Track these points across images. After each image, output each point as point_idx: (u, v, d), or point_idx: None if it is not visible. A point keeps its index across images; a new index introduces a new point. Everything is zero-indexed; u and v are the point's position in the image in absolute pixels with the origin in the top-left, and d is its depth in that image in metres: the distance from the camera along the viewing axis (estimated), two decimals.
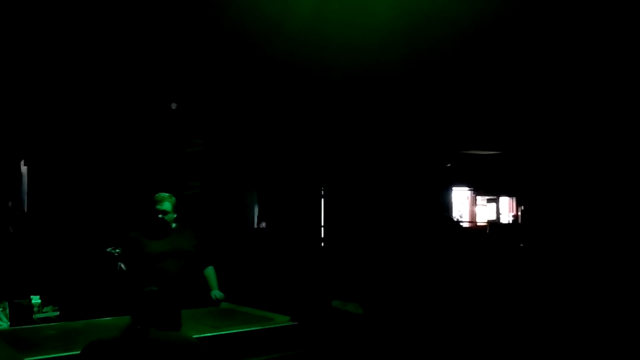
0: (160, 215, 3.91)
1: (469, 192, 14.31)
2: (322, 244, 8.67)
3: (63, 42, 4.97)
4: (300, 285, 5.75)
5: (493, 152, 10.73)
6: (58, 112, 5.78)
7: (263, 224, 8.28)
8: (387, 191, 8.13)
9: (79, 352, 2.31)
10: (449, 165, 11.29)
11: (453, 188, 13.06)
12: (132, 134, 6.00)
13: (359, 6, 4.77)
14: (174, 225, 4.00)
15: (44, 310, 3.76)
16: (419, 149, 8.79)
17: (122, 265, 3.89)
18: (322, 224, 8.72)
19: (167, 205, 3.94)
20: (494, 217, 14.29)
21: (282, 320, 3.28)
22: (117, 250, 3.87)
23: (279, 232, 7.93)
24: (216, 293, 3.96)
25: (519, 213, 12.35)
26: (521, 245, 6.30)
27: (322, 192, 8.74)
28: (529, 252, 5.30)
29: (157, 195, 3.96)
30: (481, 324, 5.20)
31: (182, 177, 6.04)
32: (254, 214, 8.58)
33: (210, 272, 4.07)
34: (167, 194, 3.98)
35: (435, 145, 9.38)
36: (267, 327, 3.19)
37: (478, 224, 13.77)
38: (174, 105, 6.20)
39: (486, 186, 13.99)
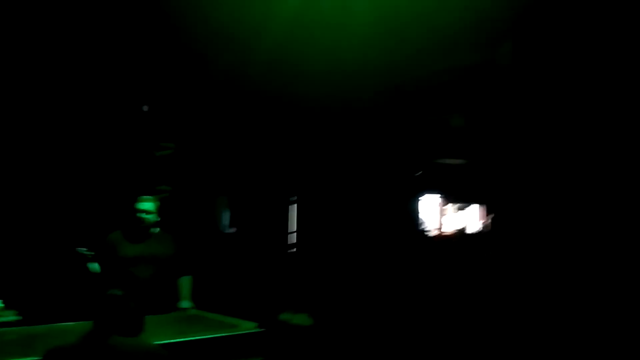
0: (139, 214, 3.84)
1: (439, 200, 14.45)
2: (293, 251, 8.66)
3: (30, 41, 4.91)
4: (268, 291, 5.74)
5: (462, 161, 10.88)
6: (26, 110, 5.68)
7: (233, 229, 8.24)
8: (358, 198, 8.18)
9: (39, 358, 2.28)
10: (419, 173, 11.40)
11: (423, 196, 13.17)
12: (101, 135, 5.93)
13: (332, 10, 4.84)
14: (155, 230, 3.95)
15: (3, 315, 3.68)
16: (390, 157, 8.86)
17: (94, 267, 3.81)
18: (294, 231, 8.71)
19: (148, 205, 3.88)
20: (462, 226, 14.45)
21: (248, 327, 3.28)
22: (88, 251, 3.80)
23: (249, 237, 7.90)
24: (184, 303, 3.91)
25: (488, 222, 12.52)
26: (489, 252, 6.41)
27: (294, 199, 8.73)
28: (496, 259, 5.39)
29: (140, 197, 3.93)
30: (447, 331, 5.27)
31: (151, 181, 5.99)
32: (224, 219, 8.52)
33: (184, 281, 3.99)
34: (149, 197, 3.95)
35: (406, 154, 9.47)
36: (233, 333, 3.18)
37: (446, 232, 13.91)
38: (145, 108, 6.14)
39: (455, 194, 14.15)
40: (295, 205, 8.57)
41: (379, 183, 8.59)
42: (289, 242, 8.46)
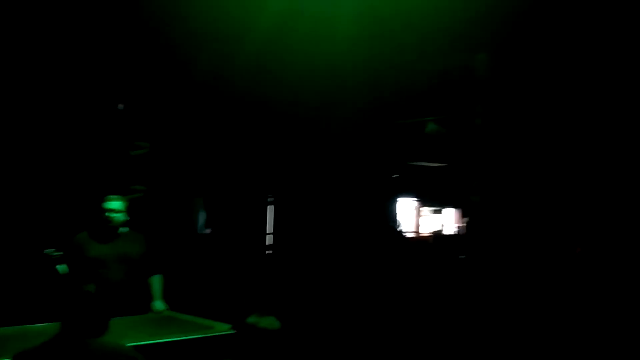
0: (107, 214, 3.79)
1: (415, 202, 14.57)
2: (269, 252, 8.64)
3: (4, 38, 4.81)
4: (242, 293, 5.71)
5: (439, 164, 10.99)
6: None
7: (208, 230, 8.18)
8: (335, 200, 8.19)
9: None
10: (396, 176, 11.48)
11: (399, 199, 13.26)
12: (74, 133, 5.83)
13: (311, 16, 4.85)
14: (124, 229, 3.90)
15: None
16: (366, 160, 8.90)
17: (62, 268, 3.73)
18: (270, 232, 8.69)
19: (116, 205, 3.83)
20: (438, 228, 14.59)
21: (222, 329, 3.26)
22: (56, 252, 3.72)
23: (225, 238, 7.85)
24: (158, 304, 3.86)
25: (463, 224, 12.65)
26: (461, 256, 6.46)
27: (270, 200, 8.71)
28: (468, 263, 5.45)
29: (108, 196, 3.87)
30: (422, 332, 5.30)
31: (125, 180, 5.91)
32: (199, 219, 8.47)
33: (155, 280, 3.94)
34: (117, 196, 3.89)
35: (383, 156, 9.52)
36: (207, 335, 3.16)
37: (422, 234, 14.03)
38: (120, 106, 6.07)
39: (432, 197, 14.29)
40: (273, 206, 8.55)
41: (356, 185, 8.61)
42: (266, 243, 8.44)
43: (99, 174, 5.64)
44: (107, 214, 3.81)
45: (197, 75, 6.00)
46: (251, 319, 2.08)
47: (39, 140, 5.66)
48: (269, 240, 8.41)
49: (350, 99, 6.50)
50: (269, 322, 2.08)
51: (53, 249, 3.75)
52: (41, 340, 2.18)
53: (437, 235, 12.72)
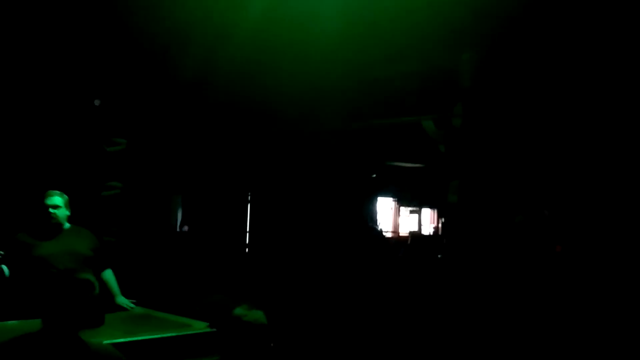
0: (50, 210, 3.67)
1: (393, 202, 14.66)
2: (247, 250, 8.60)
3: None
4: (221, 291, 5.67)
5: (416, 165, 11.06)
6: None
7: (185, 228, 8.12)
8: (313, 199, 8.19)
9: None
10: (374, 175, 11.53)
11: (378, 198, 13.33)
12: (50, 129, 5.73)
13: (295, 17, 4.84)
14: (67, 225, 3.81)
15: None
16: (345, 159, 8.92)
17: (4, 268, 3.60)
18: (248, 230, 8.65)
19: (57, 200, 3.71)
20: (416, 228, 14.70)
21: (199, 327, 3.22)
22: (1, 252, 3.53)
23: (202, 236, 7.80)
24: (122, 300, 3.80)
25: (439, 225, 12.77)
26: (439, 256, 6.52)
27: (249, 198, 8.68)
28: (445, 262, 5.50)
29: (48, 191, 3.77)
30: (398, 331, 5.33)
31: (100, 177, 5.82)
32: (177, 217, 8.40)
33: (109, 275, 3.88)
34: (57, 191, 3.77)
35: (361, 156, 9.56)
36: (184, 333, 3.12)
37: (400, 234, 14.12)
38: (97, 102, 5.97)
39: (410, 197, 14.39)
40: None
41: (334, 184, 8.62)
42: (246, 241, 8.41)
43: (74, 170, 5.54)
44: (49, 209, 3.69)
45: (176, 71, 5.94)
46: (238, 311, 2.04)
47: (15, 137, 5.54)
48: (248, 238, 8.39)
49: (330, 99, 6.50)
50: (256, 317, 2.05)
51: None
52: (15, 337, 2.11)
53: (415, 235, 12.82)
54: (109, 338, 2.66)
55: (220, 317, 3.13)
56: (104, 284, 3.80)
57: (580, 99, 4.80)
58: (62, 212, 3.73)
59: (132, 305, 3.79)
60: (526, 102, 5.08)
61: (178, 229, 8.10)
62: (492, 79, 5.24)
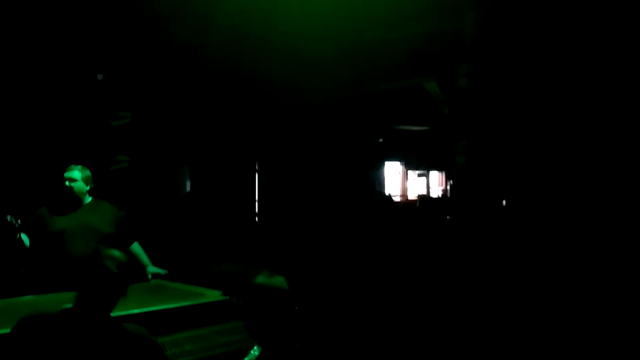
0: (66, 182, 3.67)
1: (401, 166, 14.62)
2: (256, 219, 8.65)
3: None
4: (231, 260, 5.73)
5: (423, 128, 11.00)
6: None
7: (193, 199, 8.16)
8: (321, 166, 8.19)
9: (2, 331, 2.21)
10: (380, 140, 11.49)
11: (386, 163, 13.31)
12: (54, 105, 5.72)
13: None
14: (87, 200, 3.80)
15: None
16: (352, 124, 8.88)
17: (23, 237, 3.59)
18: (257, 199, 8.69)
19: (75, 174, 3.71)
20: (424, 191, 14.70)
21: (213, 295, 3.27)
22: (18, 220, 3.55)
23: (211, 207, 7.84)
24: (153, 269, 3.81)
25: (448, 187, 12.75)
26: (447, 217, 6.52)
27: (256, 167, 8.69)
28: (454, 223, 5.50)
29: (69, 166, 3.77)
30: (411, 294, 5.38)
31: (108, 151, 5.83)
32: (185, 189, 8.44)
33: (136, 248, 3.88)
34: (79, 166, 3.77)
35: (368, 121, 9.51)
36: (198, 302, 3.16)
37: (409, 197, 14.13)
38: (100, 76, 5.94)
39: (417, 161, 14.35)
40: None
41: (341, 150, 8.60)
42: (255, 210, 8.45)
43: (81, 145, 5.55)
44: (65, 182, 3.69)
45: (178, 43, 5.88)
46: (260, 279, 2.06)
47: (19, 113, 5.54)
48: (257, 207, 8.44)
49: (333, 65, 6.43)
50: (279, 283, 2.07)
51: (14, 217, 3.56)
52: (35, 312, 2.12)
53: (424, 197, 12.82)
54: (123, 309, 2.70)
55: (233, 284, 3.17)
56: (133, 257, 3.80)
57: (588, 53, 4.70)
58: (79, 186, 3.71)
59: (165, 272, 3.80)
60: (531, 58, 4.99)
61: (186, 200, 8.15)
62: (496, 37, 5.15)
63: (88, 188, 3.77)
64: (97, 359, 2.00)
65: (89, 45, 5.61)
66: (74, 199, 3.72)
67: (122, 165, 5.86)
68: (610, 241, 4.32)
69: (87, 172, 3.78)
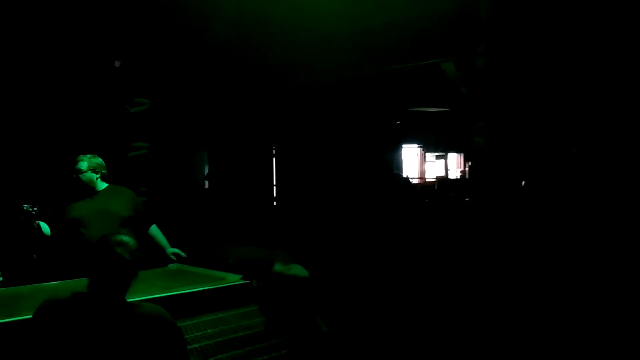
0: (74, 175, 3.78)
1: (419, 149, 14.53)
2: (275, 203, 8.69)
3: None
4: (251, 243, 5.77)
5: (441, 109, 10.89)
6: None
7: (211, 184, 8.21)
8: (338, 150, 8.17)
9: (25, 317, 2.25)
10: (398, 122, 11.40)
11: (403, 145, 13.23)
12: (72, 93, 5.77)
13: None
14: (102, 186, 3.86)
15: None
16: (369, 107, 8.82)
17: (42, 225, 3.69)
18: (274, 183, 8.72)
19: (81, 165, 3.79)
20: (442, 173, 14.60)
21: (233, 279, 3.29)
22: (35, 208, 3.64)
23: (230, 191, 7.88)
24: (173, 250, 3.87)
25: (466, 169, 12.64)
26: (466, 199, 6.49)
27: (274, 152, 8.70)
28: (473, 205, 5.47)
29: (78, 156, 3.84)
30: (430, 277, 5.37)
31: (126, 138, 5.87)
32: (203, 174, 8.49)
33: (154, 231, 3.95)
34: (88, 155, 3.84)
35: (385, 104, 9.43)
36: (220, 286, 3.19)
37: (427, 180, 14.05)
38: (117, 63, 5.97)
39: (435, 143, 14.24)
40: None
41: (359, 133, 8.56)
42: (273, 194, 8.48)
43: (99, 133, 5.60)
44: (73, 175, 3.79)
45: (194, 29, 5.87)
46: (278, 267, 2.07)
47: (36, 101, 5.60)
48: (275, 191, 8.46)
49: (349, 46, 6.37)
50: (297, 271, 2.08)
51: (31, 205, 3.65)
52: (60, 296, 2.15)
53: (442, 180, 12.74)
54: (144, 294, 2.74)
55: (254, 268, 3.19)
56: (152, 240, 3.91)
57: (607, 33, 4.60)
58: (87, 176, 3.79)
59: (184, 254, 3.86)
60: (549, 37, 4.89)
61: (206, 187, 8.20)
62: (514, 16, 5.06)
63: (98, 175, 3.84)
64: (114, 343, 2.03)
65: (106, 32, 5.63)
66: (86, 187, 3.80)
67: (141, 152, 5.90)
68: (629, 222, 4.27)
69: (96, 160, 3.85)
